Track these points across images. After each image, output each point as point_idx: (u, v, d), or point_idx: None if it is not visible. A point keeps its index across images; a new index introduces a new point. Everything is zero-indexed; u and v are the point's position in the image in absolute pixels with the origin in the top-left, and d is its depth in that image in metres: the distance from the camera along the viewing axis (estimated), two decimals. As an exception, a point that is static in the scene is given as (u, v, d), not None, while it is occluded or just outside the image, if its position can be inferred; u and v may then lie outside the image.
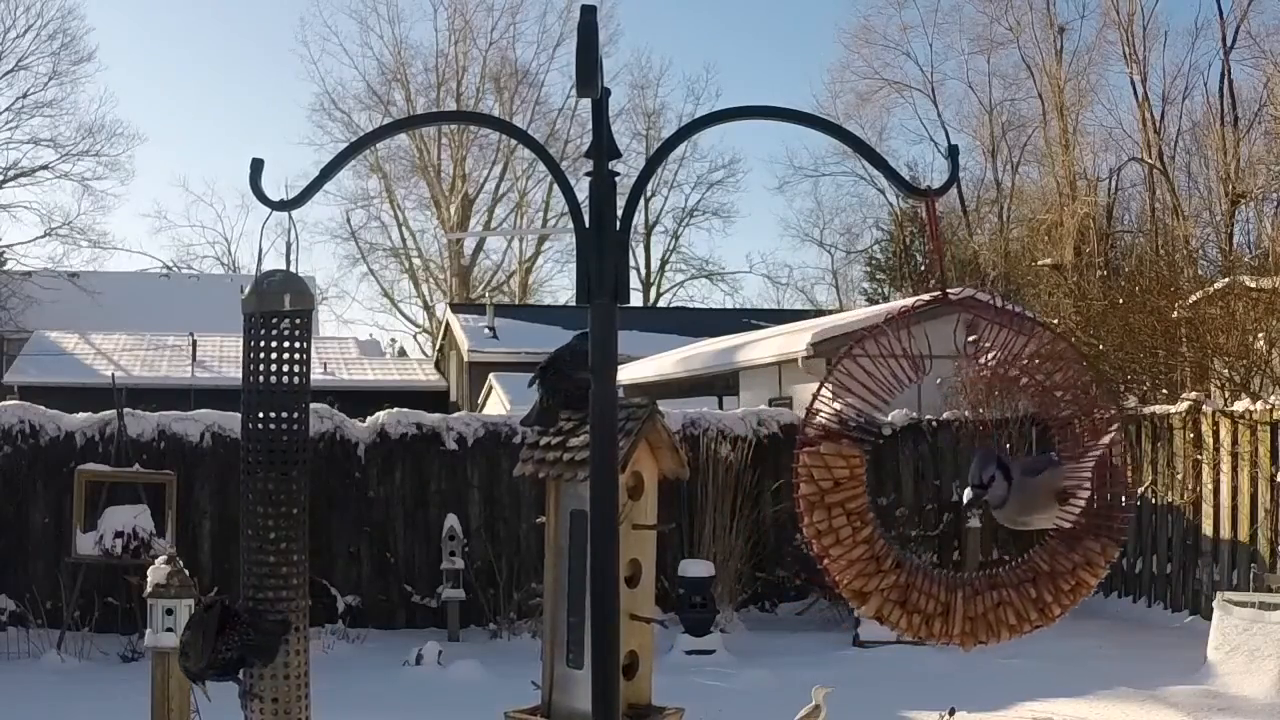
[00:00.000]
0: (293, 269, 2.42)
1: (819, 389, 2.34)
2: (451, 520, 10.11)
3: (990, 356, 2.37)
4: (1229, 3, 26.32)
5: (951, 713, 6.17)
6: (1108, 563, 2.33)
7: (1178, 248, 22.20)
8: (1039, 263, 25.33)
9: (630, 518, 2.95)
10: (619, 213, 2.22)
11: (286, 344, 2.41)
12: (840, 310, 28.51)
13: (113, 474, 9.17)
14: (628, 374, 19.33)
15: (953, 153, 2.26)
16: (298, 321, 2.41)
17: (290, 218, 2.36)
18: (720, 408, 15.49)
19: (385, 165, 40.06)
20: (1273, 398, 9.72)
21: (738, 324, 24.54)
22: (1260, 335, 11.38)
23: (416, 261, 41.85)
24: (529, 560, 10.29)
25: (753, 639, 9.90)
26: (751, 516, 10.66)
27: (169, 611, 5.28)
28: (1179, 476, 10.30)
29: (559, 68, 40.73)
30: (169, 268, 41.22)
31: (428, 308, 41.55)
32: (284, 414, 2.41)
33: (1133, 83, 27.37)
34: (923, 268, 30.38)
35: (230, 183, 57.85)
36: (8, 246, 32.28)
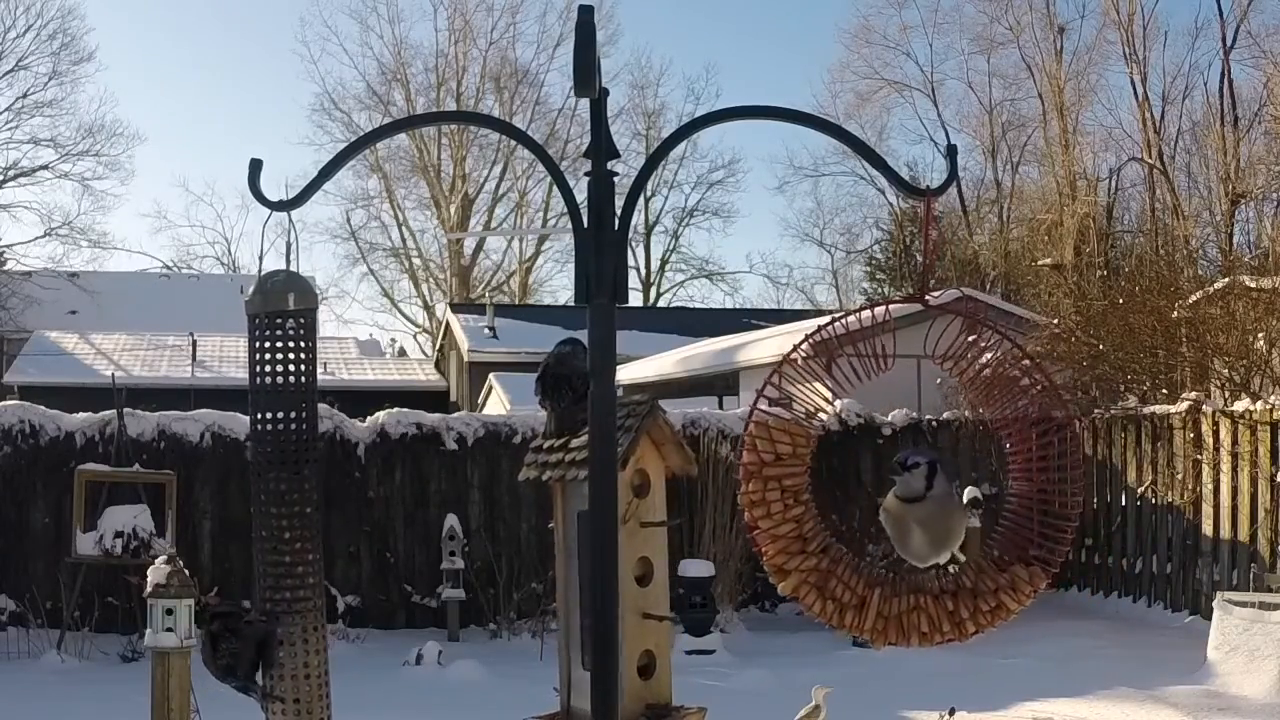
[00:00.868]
0: (293, 269, 2.42)
1: (779, 366, 2.36)
2: (451, 520, 10.12)
3: (987, 358, 2.37)
4: (1229, 3, 26.37)
5: (951, 713, 6.17)
6: (1034, 591, 2.29)
7: (1178, 248, 22.21)
8: (1039, 263, 25.35)
9: (638, 516, 2.95)
10: (618, 213, 2.22)
11: (292, 343, 2.42)
12: (840, 310, 28.50)
13: (113, 474, 9.17)
14: (627, 374, 19.34)
15: (951, 152, 2.26)
16: (302, 321, 2.42)
17: (290, 218, 2.37)
18: (720, 408, 15.49)
19: (385, 165, 40.13)
20: (1273, 398, 9.71)
21: (738, 324, 24.55)
22: (1260, 335, 11.37)
23: (416, 261, 41.92)
24: (529, 560, 10.30)
25: (753, 639, 9.90)
26: (751, 516, 10.65)
27: (169, 611, 5.28)
28: (1179, 476, 10.30)
29: (559, 68, 40.79)
30: (169, 268, 41.31)
31: (428, 308, 41.59)
32: (292, 413, 2.42)
33: (1133, 83, 27.41)
34: (921, 268, 30.39)
35: (230, 183, 57.77)
36: (8, 246, 32.32)
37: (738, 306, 37.02)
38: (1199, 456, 10.03)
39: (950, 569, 2.33)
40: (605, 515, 2.21)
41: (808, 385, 2.35)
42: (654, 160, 2.44)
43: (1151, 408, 10.84)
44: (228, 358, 26.72)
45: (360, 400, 17.52)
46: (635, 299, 37.04)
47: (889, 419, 11.47)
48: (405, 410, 10.81)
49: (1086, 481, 10.55)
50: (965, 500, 2.30)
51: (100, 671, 8.52)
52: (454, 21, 41.25)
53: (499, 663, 8.64)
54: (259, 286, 2.41)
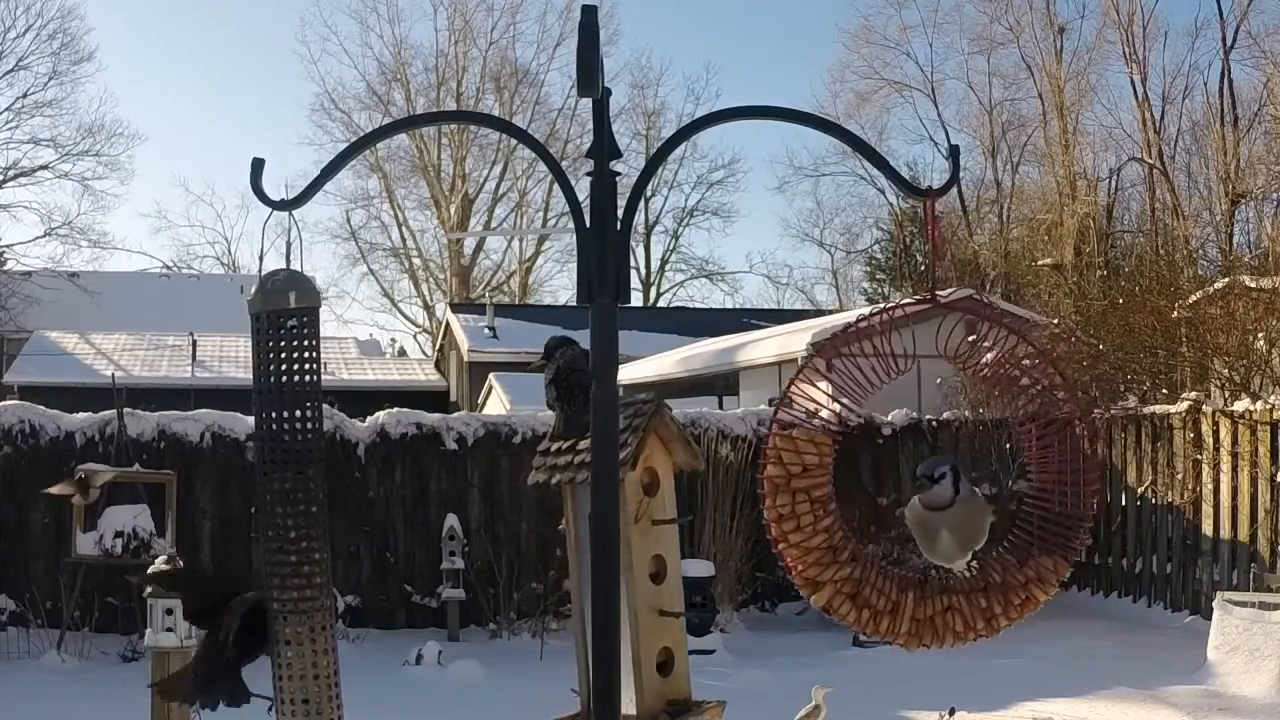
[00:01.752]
0: (295, 268, 2.42)
1: (796, 374, 2.34)
2: (451, 520, 10.12)
3: (988, 357, 2.37)
4: (1229, 3, 26.38)
5: (951, 713, 6.17)
6: (1060, 579, 2.30)
7: (1178, 248, 22.23)
8: (1039, 263, 25.35)
9: (649, 514, 2.95)
10: (619, 212, 2.22)
11: (295, 342, 2.41)
12: (840, 310, 28.52)
13: (113, 474, 9.16)
14: (628, 374, 19.34)
15: (954, 153, 2.26)
16: (305, 319, 2.41)
17: (291, 217, 2.36)
18: (720, 408, 15.49)
19: (385, 165, 40.12)
20: (1273, 398, 9.71)
21: (738, 324, 24.58)
22: (1260, 335, 11.38)
23: (416, 261, 41.91)
24: (529, 560, 10.30)
25: (753, 639, 9.90)
26: (751, 516, 10.64)
27: (169, 611, 5.27)
28: (1179, 476, 10.29)
29: (559, 68, 40.80)
30: (169, 268, 41.30)
31: (428, 308, 41.61)
32: (297, 413, 2.41)
33: (1133, 83, 27.42)
34: (922, 268, 30.37)
35: (230, 182, 57.92)
36: (8, 246, 32.32)
37: (738, 306, 37.05)
38: (1199, 456, 10.03)
39: (972, 565, 2.32)
40: (609, 517, 2.21)
41: (825, 391, 2.33)
42: (656, 160, 2.44)
43: (1151, 408, 10.84)
44: (228, 358, 26.73)
45: (360, 400, 17.54)
46: (635, 299, 37.03)
47: (889, 419, 11.47)
48: (405, 410, 10.81)
49: (1100, 474, 10.54)
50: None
51: (100, 671, 8.52)
52: (454, 21, 41.29)
53: (499, 663, 8.65)
54: (260, 285, 2.40)
